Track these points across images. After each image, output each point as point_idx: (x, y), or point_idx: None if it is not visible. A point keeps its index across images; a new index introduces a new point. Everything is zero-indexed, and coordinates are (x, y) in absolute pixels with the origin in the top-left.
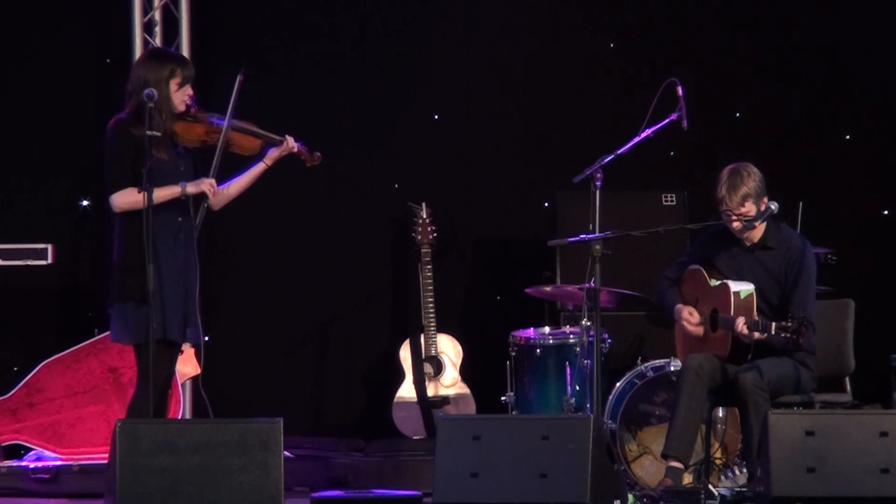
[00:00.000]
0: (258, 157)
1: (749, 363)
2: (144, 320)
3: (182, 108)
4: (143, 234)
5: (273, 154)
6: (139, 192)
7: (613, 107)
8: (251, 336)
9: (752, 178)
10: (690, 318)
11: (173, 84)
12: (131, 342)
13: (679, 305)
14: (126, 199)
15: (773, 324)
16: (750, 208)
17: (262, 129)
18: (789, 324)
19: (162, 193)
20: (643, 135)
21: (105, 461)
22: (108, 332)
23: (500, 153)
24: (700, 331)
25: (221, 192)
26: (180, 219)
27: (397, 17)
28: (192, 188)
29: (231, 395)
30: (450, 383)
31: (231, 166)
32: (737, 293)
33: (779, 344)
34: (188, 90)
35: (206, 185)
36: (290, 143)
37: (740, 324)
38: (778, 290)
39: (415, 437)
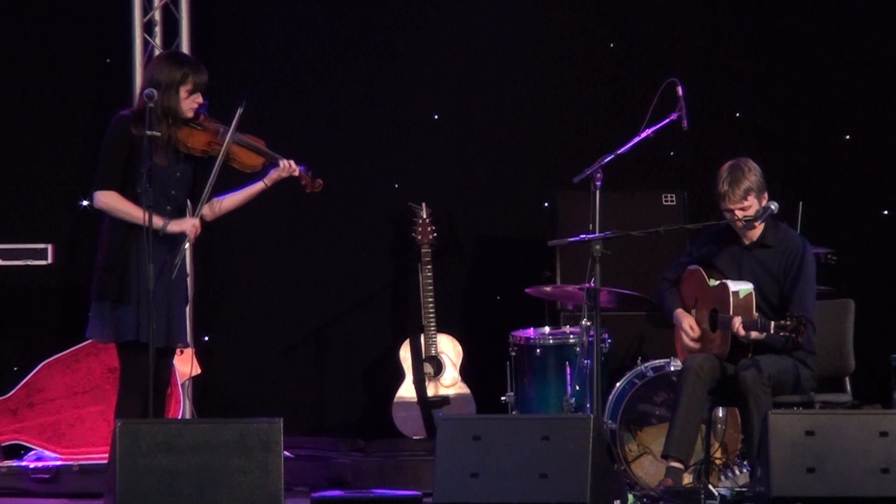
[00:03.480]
0: (259, 175)
1: (749, 359)
2: (119, 321)
3: (190, 114)
4: (128, 236)
5: (273, 175)
6: (124, 198)
7: (613, 107)
8: (251, 336)
9: (753, 173)
10: (691, 332)
11: (183, 90)
12: (106, 341)
13: (679, 311)
14: (107, 200)
15: (773, 323)
16: (752, 203)
17: (266, 148)
18: (788, 322)
19: (143, 216)
20: (643, 135)
21: (105, 461)
22: None
23: (500, 153)
24: (696, 346)
25: (216, 203)
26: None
27: (397, 16)
28: (174, 227)
29: (231, 395)
30: (450, 383)
31: (235, 180)
32: (735, 293)
33: (778, 343)
34: (199, 97)
35: (188, 225)
36: (292, 166)
37: (737, 323)
38: (777, 288)
39: (415, 437)
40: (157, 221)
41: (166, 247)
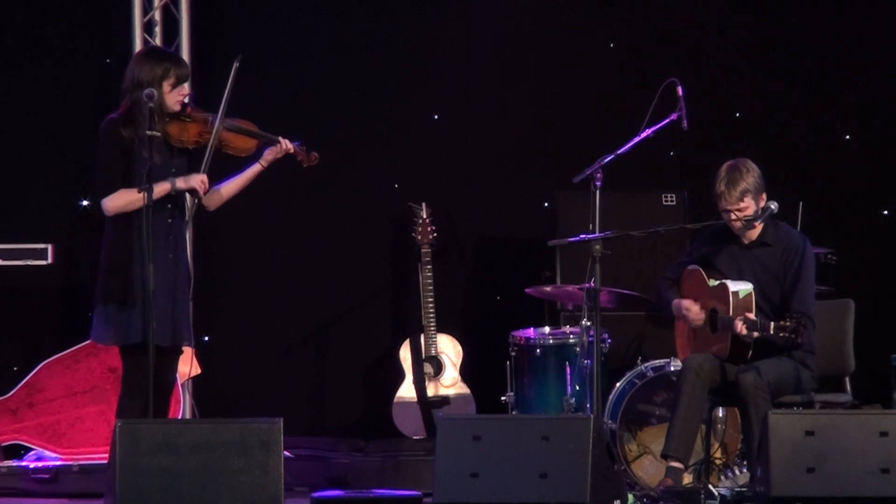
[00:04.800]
0: (254, 157)
1: (749, 364)
2: (126, 323)
3: (177, 108)
4: (130, 237)
5: (268, 155)
6: (138, 192)
7: (613, 107)
8: (251, 336)
9: (751, 174)
10: (691, 307)
11: (167, 84)
12: (112, 343)
13: (677, 300)
14: (117, 202)
15: (772, 323)
16: (749, 204)
17: (258, 129)
18: (788, 323)
19: (153, 193)
20: (643, 135)
21: (105, 461)
22: None
23: (500, 153)
24: (701, 319)
25: (216, 191)
26: (170, 221)
27: (397, 16)
28: (181, 183)
29: (231, 395)
30: (450, 383)
31: (229, 166)
32: (735, 293)
33: (780, 342)
34: (183, 90)
35: (197, 180)
36: (286, 144)
37: (739, 324)
38: (777, 287)
39: (415, 437)
40: (164, 185)
41: (170, 247)
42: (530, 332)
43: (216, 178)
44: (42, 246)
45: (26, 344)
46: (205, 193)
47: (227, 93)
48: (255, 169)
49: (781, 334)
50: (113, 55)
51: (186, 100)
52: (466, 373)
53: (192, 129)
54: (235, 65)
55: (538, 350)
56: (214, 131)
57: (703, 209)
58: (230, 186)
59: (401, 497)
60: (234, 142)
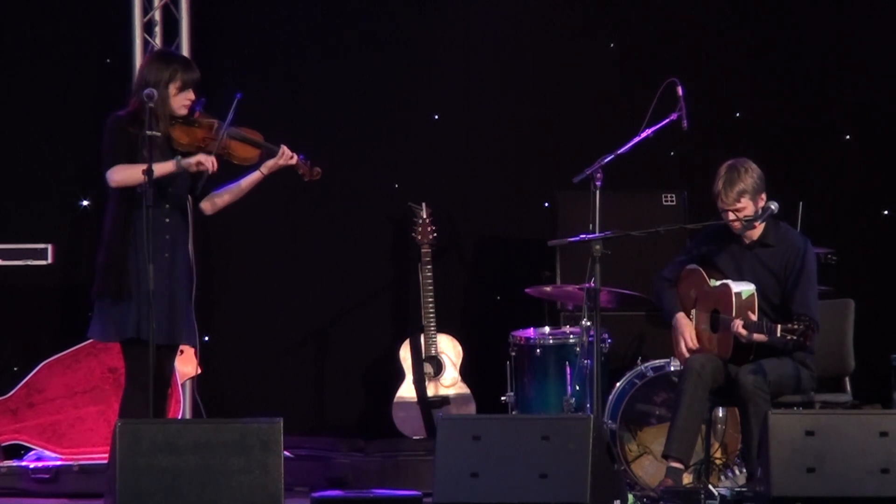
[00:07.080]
0: (255, 167)
1: (751, 364)
2: (120, 318)
3: (182, 111)
4: (126, 235)
5: (269, 164)
6: (142, 173)
7: (613, 107)
8: (251, 336)
9: (750, 175)
10: (689, 342)
11: (173, 87)
12: (107, 339)
13: (680, 316)
14: (121, 173)
15: (779, 326)
16: (746, 205)
17: (262, 139)
18: (796, 326)
19: (157, 170)
20: (643, 135)
21: (105, 461)
22: None
23: (500, 153)
24: (687, 356)
25: (215, 196)
26: (167, 220)
27: (397, 17)
28: (186, 163)
29: (231, 395)
30: (450, 383)
31: (229, 175)
32: (738, 294)
33: (779, 344)
34: (190, 94)
35: (202, 156)
36: (288, 154)
37: (738, 325)
38: (778, 288)
39: (415, 437)
40: (169, 164)
41: (166, 246)
42: (530, 332)
43: (216, 185)
44: (42, 246)
45: (26, 344)
46: (213, 171)
47: (230, 114)
48: (254, 177)
49: (790, 337)
50: (113, 55)
51: (192, 105)
52: (466, 373)
53: (197, 133)
54: (237, 98)
55: (538, 350)
56: (220, 139)
57: (703, 209)
58: (229, 194)
59: (401, 497)
60: (238, 151)
